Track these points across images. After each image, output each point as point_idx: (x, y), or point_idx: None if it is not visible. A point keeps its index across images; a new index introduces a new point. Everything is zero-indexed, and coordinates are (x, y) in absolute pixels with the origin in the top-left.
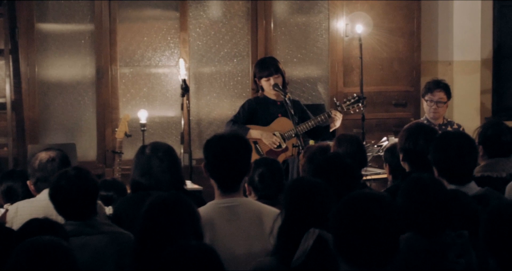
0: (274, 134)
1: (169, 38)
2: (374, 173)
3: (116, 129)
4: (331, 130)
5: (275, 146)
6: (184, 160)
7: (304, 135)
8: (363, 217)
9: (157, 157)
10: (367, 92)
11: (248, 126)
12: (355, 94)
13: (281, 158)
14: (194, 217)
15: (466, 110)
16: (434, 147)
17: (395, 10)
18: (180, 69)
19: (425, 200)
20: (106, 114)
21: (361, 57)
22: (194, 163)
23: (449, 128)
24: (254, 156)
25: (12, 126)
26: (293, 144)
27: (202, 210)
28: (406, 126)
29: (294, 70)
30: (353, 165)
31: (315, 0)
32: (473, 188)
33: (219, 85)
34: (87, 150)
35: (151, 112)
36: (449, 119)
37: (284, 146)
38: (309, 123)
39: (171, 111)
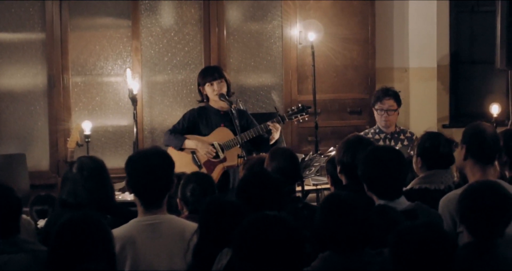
0: (212, 144)
1: (121, 46)
2: (324, 182)
3: (68, 139)
4: (271, 142)
5: (211, 156)
6: None
7: (248, 145)
8: (261, 239)
9: (82, 176)
10: (321, 100)
11: (186, 136)
12: (299, 104)
13: (219, 168)
14: (105, 237)
15: (423, 118)
16: (362, 162)
17: (349, 17)
18: (127, 79)
19: (341, 217)
20: (59, 123)
21: (313, 65)
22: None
23: (401, 137)
24: (192, 166)
25: None
26: (238, 155)
27: (123, 227)
28: (344, 139)
29: (247, 78)
30: (279, 180)
31: (268, 8)
32: (402, 202)
33: (172, 94)
34: (39, 159)
35: (104, 121)
36: (401, 127)
37: (222, 156)
38: (249, 133)
39: (124, 120)
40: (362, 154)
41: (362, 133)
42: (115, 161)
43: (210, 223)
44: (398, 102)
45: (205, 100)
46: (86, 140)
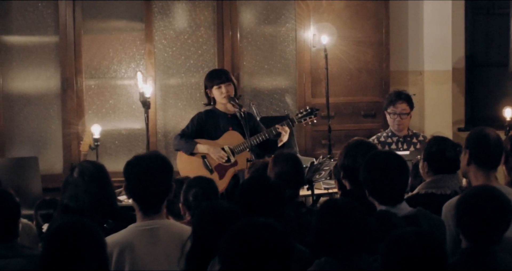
0: (223, 148)
1: (134, 49)
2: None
3: (81, 142)
4: (279, 145)
5: (223, 160)
6: None
7: (257, 149)
8: (248, 246)
9: (83, 181)
10: (335, 103)
11: (196, 140)
12: (307, 107)
13: (230, 172)
14: (98, 243)
15: (438, 121)
16: (364, 167)
17: (363, 20)
18: (138, 82)
19: (338, 223)
20: (72, 127)
21: (326, 68)
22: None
23: (414, 140)
24: (203, 171)
25: None
26: (247, 159)
27: (122, 233)
28: (346, 143)
29: (261, 81)
30: (278, 185)
31: (282, 10)
32: (404, 208)
33: (186, 97)
34: (52, 162)
35: (117, 124)
36: (414, 131)
37: (233, 160)
38: (259, 137)
39: (138, 123)
40: (363, 159)
41: (374, 136)
42: None
43: (203, 229)
44: (411, 105)
45: (212, 103)
46: (96, 143)
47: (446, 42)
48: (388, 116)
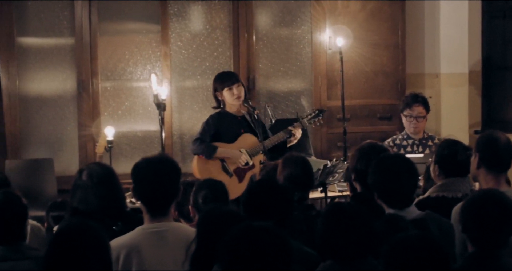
0: (240, 151)
1: (150, 51)
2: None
3: (97, 144)
4: (288, 145)
5: (243, 164)
6: None
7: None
8: (247, 250)
9: (92, 183)
10: (351, 106)
11: (216, 144)
12: (314, 108)
13: (248, 175)
14: (101, 246)
15: (454, 124)
16: (372, 170)
17: (379, 22)
18: (152, 84)
19: (343, 226)
20: (87, 128)
21: (342, 71)
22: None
23: (429, 143)
24: (222, 174)
25: None
26: (260, 161)
27: (129, 235)
28: (358, 146)
29: (277, 84)
30: (286, 187)
31: (297, 13)
32: (412, 212)
33: (201, 99)
34: (68, 164)
35: (133, 126)
36: (430, 134)
37: (251, 163)
38: (274, 139)
39: (153, 125)
40: (372, 162)
41: (390, 139)
42: None
43: (207, 232)
44: (427, 108)
45: (221, 106)
46: (109, 145)
47: (462, 45)
48: (404, 119)
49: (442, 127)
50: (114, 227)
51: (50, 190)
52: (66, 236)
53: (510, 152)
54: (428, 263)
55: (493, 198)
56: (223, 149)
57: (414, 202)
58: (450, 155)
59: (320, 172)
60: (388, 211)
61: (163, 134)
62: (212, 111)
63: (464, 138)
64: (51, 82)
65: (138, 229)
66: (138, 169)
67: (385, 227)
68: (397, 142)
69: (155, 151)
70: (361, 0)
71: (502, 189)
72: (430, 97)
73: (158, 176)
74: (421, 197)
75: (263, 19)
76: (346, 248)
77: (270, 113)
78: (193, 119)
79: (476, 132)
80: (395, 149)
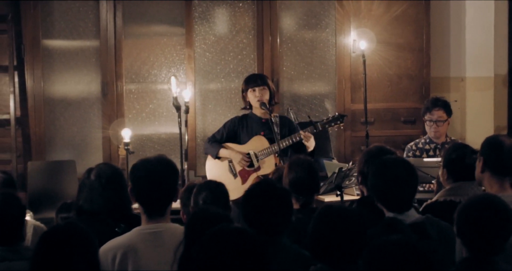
0: (248, 153)
1: (174, 54)
2: None
3: (120, 146)
4: (308, 150)
5: (246, 165)
6: (189, 177)
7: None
8: (219, 252)
9: (100, 184)
10: (375, 109)
11: (223, 145)
12: (336, 113)
13: (252, 177)
14: (89, 247)
15: (480, 127)
16: (372, 173)
17: (403, 26)
18: (171, 87)
19: (333, 230)
20: (111, 130)
21: (364, 74)
22: (200, 180)
23: None
24: (228, 175)
25: (17, 143)
26: (275, 164)
27: (126, 236)
28: (366, 149)
29: (301, 87)
30: (285, 190)
31: (322, 16)
32: (411, 215)
33: (225, 102)
34: (92, 166)
35: (157, 128)
36: (452, 138)
37: (256, 165)
38: (284, 142)
39: (177, 127)
40: (372, 166)
41: (412, 143)
42: None
43: (195, 234)
44: (448, 112)
45: (248, 107)
46: (126, 147)
47: (488, 48)
48: (425, 123)
49: (467, 131)
50: (116, 229)
51: (72, 191)
52: (52, 237)
53: None
54: (407, 268)
55: (489, 202)
56: (225, 150)
57: (423, 207)
58: (458, 159)
59: (335, 175)
60: (388, 214)
61: (186, 137)
62: (236, 114)
63: None
64: (76, 84)
65: (135, 230)
66: (136, 170)
67: (383, 230)
68: (420, 145)
69: (179, 153)
70: (385, 0)
71: (507, 193)
72: (456, 101)
73: (156, 176)
74: (429, 201)
75: (287, 22)
76: (337, 252)
77: (292, 116)
78: (216, 122)
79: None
80: (417, 153)
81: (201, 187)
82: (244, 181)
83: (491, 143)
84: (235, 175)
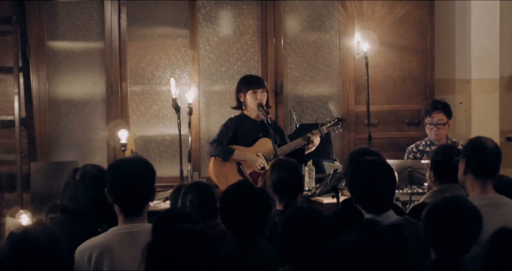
0: (257, 155)
1: (179, 56)
2: None
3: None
4: (306, 152)
5: (260, 168)
6: (193, 178)
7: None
8: (172, 252)
9: (84, 184)
10: (379, 111)
11: (233, 147)
12: (334, 116)
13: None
14: (57, 249)
15: (485, 130)
16: (350, 174)
17: (407, 28)
18: (171, 88)
19: (300, 231)
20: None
21: (367, 76)
22: (204, 181)
23: None
24: (237, 177)
25: (22, 143)
26: None
27: (102, 236)
28: (351, 151)
29: (305, 88)
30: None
31: (325, 18)
32: (390, 217)
33: (229, 103)
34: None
35: (162, 130)
36: (453, 140)
37: (267, 167)
38: (292, 145)
39: (182, 129)
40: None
41: (413, 145)
42: (172, 170)
43: None
44: (448, 115)
45: (242, 107)
46: (122, 148)
47: (494, 50)
48: (425, 126)
49: (472, 134)
50: (99, 229)
51: None
52: (16, 238)
53: (497, 158)
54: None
55: (455, 204)
56: (240, 152)
57: (409, 208)
58: (445, 161)
59: (330, 177)
60: (366, 215)
61: (190, 138)
62: (233, 114)
63: None
64: (80, 85)
65: (111, 230)
66: (113, 170)
67: (360, 232)
68: (420, 148)
69: (183, 154)
70: (388, 1)
71: (489, 195)
72: (461, 103)
73: (133, 176)
74: (415, 203)
75: (291, 23)
76: (304, 253)
77: (295, 118)
78: (220, 123)
79: (508, 139)
80: (418, 155)
81: (189, 188)
82: (255, 182)
83: (473, 145)
84: (245, 178)
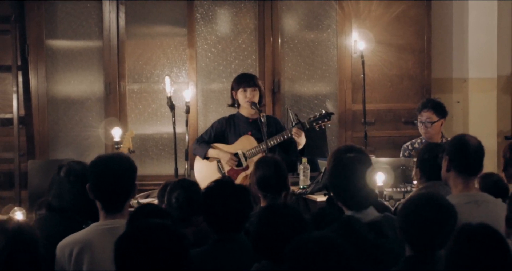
0: (236, 153)
1: (176, 54)
2: None
3: (121, 145)
4: (299, 148)
5: (234, 165)
6: (191, 176)
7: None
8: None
9: (68, 181)
10: (376, 110)
11: (211, 145)
12: (323, 111)
13: (241, 176)
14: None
15: (483, 129)
16: (329, 172)
17: (405, 27)
18: (166, 86)
19: (274, 227)
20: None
21: (363, 75)
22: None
23: None
24: (217, 175)
25: (20, 141)
26: None
27: (83, 231)
28: (335, 148)
29: (302, 87)
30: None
31: (323, 17)
32: (370, 214)
33: (227, 101)
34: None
35: (160, 128)
36: (448, 138)
37: (244, 164)
38: (272, 140)
39: (179, 128)
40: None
41: (409, 143)
42: (170, 168)
43: None
44: (439, 113)
45: (236, 105)
46: (116, 146)
47: (491, 49)
48: (418, 124)
49: (470, 133)
50: (83, 226)
51: None
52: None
53: (480, 155)
54: (325, 265)
55: (429, 200)
56: (213, 150)
57: (395, 206)
58: (430, 159)
59: (321, 175)
60: (347, 212)
61: (187, 136)
62: (230, 112)
63: (492, 143)
64: (79, 84)
65: (92, 226)
66: (94, 166)
67: (340, 229)
68: (416, 145)
69: (180, 152)
70: (384, 0)
71: (472, 192)
72: (458, 102)
73: (114, 172)
74: (402, 200)
75: (288, 22)
76: (278, 248)
77: (291, 116)
78: None
79: (506, 138)
80: (413, 153)
81: (175, 186)
82: (233, 180)
83: (456, 142)
84: (223, 174)
